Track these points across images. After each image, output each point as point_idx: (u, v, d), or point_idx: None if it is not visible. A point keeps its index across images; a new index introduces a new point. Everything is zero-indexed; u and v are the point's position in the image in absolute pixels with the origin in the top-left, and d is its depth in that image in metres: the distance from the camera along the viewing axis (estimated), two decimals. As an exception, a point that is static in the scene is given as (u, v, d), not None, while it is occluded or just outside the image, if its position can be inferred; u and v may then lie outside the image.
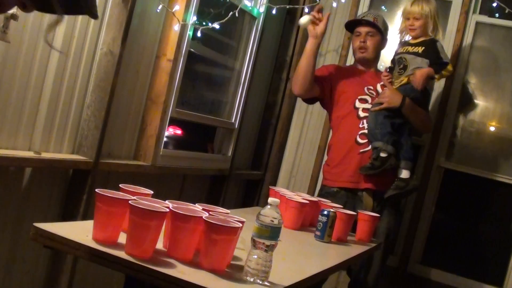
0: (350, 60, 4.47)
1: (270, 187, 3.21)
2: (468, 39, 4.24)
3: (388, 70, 3.66)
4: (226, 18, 3.48)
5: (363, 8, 4.50)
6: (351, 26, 3.83)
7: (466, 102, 4.29)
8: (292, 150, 4.69)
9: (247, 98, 4.23)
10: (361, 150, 3.48)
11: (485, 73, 4.29)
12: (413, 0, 3.60)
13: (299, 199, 2.85)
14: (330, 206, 2.90)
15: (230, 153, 4.18)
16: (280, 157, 4.70)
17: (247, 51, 4.19)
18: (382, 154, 3.37)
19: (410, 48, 3.57)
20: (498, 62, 4.26)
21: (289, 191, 3.16)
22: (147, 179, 3.31)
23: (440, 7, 4.31)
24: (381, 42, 3.73)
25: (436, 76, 3.52)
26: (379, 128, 3.42)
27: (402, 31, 3.71)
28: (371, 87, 3.63)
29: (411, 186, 3.47)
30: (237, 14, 3.54)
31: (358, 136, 3.50)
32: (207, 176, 4.09)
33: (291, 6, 4.33)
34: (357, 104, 3.57)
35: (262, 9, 4.14)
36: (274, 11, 4.05)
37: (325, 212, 2.67)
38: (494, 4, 4.06)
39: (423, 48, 3.52)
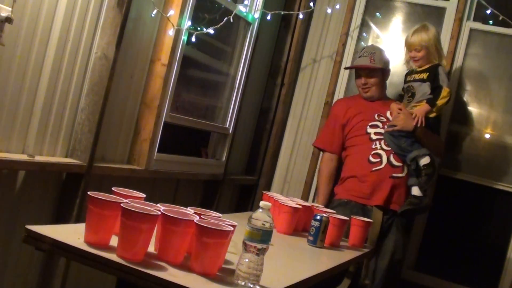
0: (345, 64, 4.47)
1: (263, 192, 3.21)
2: (462, 46, 4.25)
3: (398, 97, 3.81)
4: (221, 24, 3.48)
5: (358, 14, 4.52)
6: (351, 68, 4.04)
7: (460, 109, 4.30)
8: (286, 156, 4.70)
9: (241, 104, 4.24)
10: (373, 169, 3.56)
11: (479, 80, 4.30)
12: (413, 30, 3.67)
13: (292, 204, 2.85)
14: (323, 211, 2.91)
15: (224, 158, 4.18)
16: (274, 163, 4.71)
17: (242, 56, 4.20)
18: (424, 161, 3.46)
19: (416, 76, 3.66)
20: (492, 69, 4.28)
21: (283, 196, 3.17)
22: (141, 183, 3.31)
23: (434, 13, 4.35)
24: (383, 77, 3.83)
25: (434, 109, 3.55)
26: (404, 142, 3.52)
27: (408, 61, 3.76)
28: (382, 114, 3.73)
29: (424, 204, 3.55)
30: (231, 20, 3.55)
31: (370, 156, 3.59)
32: (201, 181, 4.09)
33: (285, 12, 4.34)
34: (369, 129, 3.68)
35: (257, 15, 4.15)
36: (269, 17, 4.06)
37: (318, 217, 2.68)
38: (488, 11, 4.08)
39: (428, 74, 3.61)
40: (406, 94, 3.70)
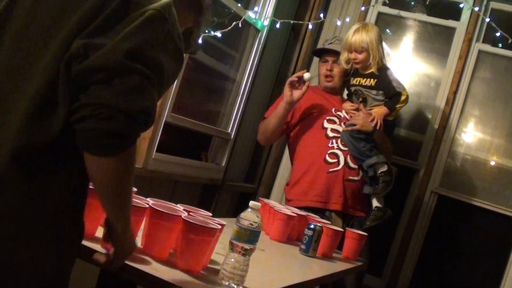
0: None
1: (260, 198, 3.19)
2: (469, 67, 4.24)
3: (346, 99, 3.63)
4: (229, 28, 3.49)
5: (368, 29, 4.51)
6: (319, 51, 3.76)
7: (464, 130, 4.28)
8: (287, 166, 4.66)
9: (245, 110, 4.23)
10: (330, 170, 3.36)
11: (485, 102, 4.29)
12: (352, 31, 3.47)
13: (287, 212, 2.83)
14: (318, 221, 2.89)
15: (224, 163, 4.16)
16: (275, 172, 4.68)
17: (249, 63, 4.19)
18: (383, 169, 3.30)
19: (362, 80, 3.49)
20: (498, 91, 4.27)
21: (280, 204, 3.14)
22: (138, 182, 3.24)
23: (444, 33, 4.35)
24: (346, 70, 3.60)
25: (392, 113, 3.44)
26: (363, 145, 3.34)
27: (347, 61, 3.52)
28: (339, 110, 3.54)
29: (388, 215, 3.39)
30: (240, 25, 3.55)
31: (327, 155, 3.39)
32: (199, 185, 4.07)
33: (295, 21, 4.33)
34: (326, 124, 3.47)
35: (266, 23, 4.15)
36: (278, 25, 4.06)
37: (312, 226, 2.65)
38: (498, 34, 4.07)
39: (376, 80, 3.44)
40: (355, 98, 3.52)
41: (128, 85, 1.25)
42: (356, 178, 3.40)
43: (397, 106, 3.42)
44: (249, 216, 1.70)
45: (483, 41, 4.27)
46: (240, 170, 4.60)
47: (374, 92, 3.45)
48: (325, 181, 3.36)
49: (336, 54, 3.58)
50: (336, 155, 3.39)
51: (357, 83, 3.51)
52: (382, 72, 3.45)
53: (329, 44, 3.66)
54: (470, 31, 4.23)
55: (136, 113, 1.26)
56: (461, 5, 4.28)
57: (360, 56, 3.43)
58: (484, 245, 4.24)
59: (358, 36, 3.41)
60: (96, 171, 1.32)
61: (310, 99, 3.53)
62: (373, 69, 3.45)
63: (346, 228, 3.02)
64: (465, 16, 4.28)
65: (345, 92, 3.70)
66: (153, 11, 1.33)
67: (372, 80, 3.46)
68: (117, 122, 1.23)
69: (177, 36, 1.40)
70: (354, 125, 3.37)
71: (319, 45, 3.61)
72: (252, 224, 1.69)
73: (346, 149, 3.40)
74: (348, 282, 3.42)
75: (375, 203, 3.38)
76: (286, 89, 3.38)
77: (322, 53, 3.68)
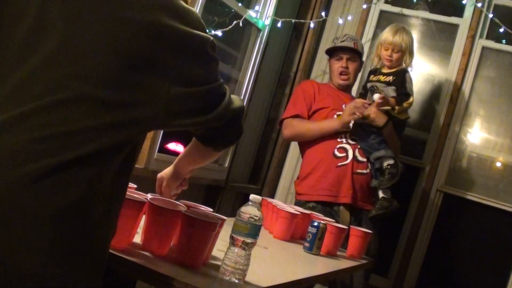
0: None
1: (263, 198, 3.16)
2: (473, 63, 4.21)
3: (359, 95, 3.69)
4: (230, 27, 3.47)
5: (370, 27, 4.50)
6: (334, 49, 3.75)
7: (469, 127, 4.25)
8: (291, 166, 4.65)
9: (247, 111, 4.20)
10: (339, 164, 3.42)
11: (489, 99, 4.25)
12: (393, 31, 3.56)
13: (290, 210, 2.79)
14: (321, 218, 2.86)
15: (227, 164, 4.14)
16: (279, 173, 4.66)
17: (250, 63, 4.17)
18: (389, 162, 3.34)
19: (382, 77, 3.56)
20: (502, 88, 4.24)
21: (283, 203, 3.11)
22: (140, 182, 3.22)
23: (447, 29, 4.32)
24: (360, 66, 3.71)
25: (396, 108, 3.48)
26: (373, 138, 3.39)
27: (378, 57, 3.65)
28: None
29: (394, 206, 3.42)
30: (241, 24, 3.53)
31: (336, 150, 3.44)
32: (203, 186, 4.05)
33: (296, 20, 4.31)
34: (335, 118, 3.51)
35: (267, 22, 4.13)
36: (279, 24, 4.03)
37: (315, 224, 2.62)
38: (501, 30, 4.04)
39: (394, 78, 3.52)
40: (370, 94, 3.56)
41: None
42: (364, 171, 3.44)
43: (404, 104, 3.48)
44: (249, 210, 1.68)
45: (487, 38, 4.24)
46: (244, 171, 4.58)
47: (389, 89, 3.51)
48: (335, 175, 3.41)
49: (350, 51, 3.61)
50: (344, 149, 3.44)
51: (377, 79, 3.57)
52: (402, 72, 3.52)
53: (341, 42, 3.67)
54: (474, 27, 4.21)
55: None
56: (464, 2, 4.25)
57: (396, 55, 3.52)
58: (490, 244, 4.20)
59: (400, 37, 3.51)
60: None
61: (322, 95, 3.60)
62: (398, 68, 3.54)
63: (351, 226, 2.99)
64: (468, 12, 4.25)
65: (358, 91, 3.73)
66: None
67: (391, 77, 3.53)
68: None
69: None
70: (365, 118, 3.41)
71: (327, 43, 3.64)
72: (252, 218, 1.66)
73: (354, 143, 3.45)
74: (356, 280, 3.41)
75: (381, 194, 3.40)
76: (353, 113, 3.36)
77: (335, 51, 3.69)
